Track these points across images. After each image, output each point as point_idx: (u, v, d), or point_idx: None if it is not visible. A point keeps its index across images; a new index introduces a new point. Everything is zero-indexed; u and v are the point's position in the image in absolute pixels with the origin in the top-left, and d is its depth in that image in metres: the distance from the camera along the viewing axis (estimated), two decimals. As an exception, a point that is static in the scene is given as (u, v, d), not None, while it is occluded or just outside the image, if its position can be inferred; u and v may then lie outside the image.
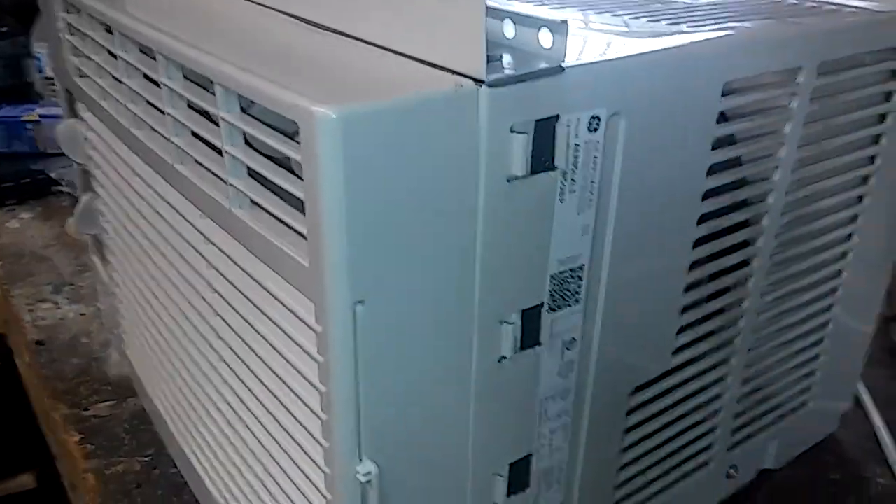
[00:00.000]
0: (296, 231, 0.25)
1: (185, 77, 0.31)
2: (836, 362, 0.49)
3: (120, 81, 0.37)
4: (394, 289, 0.25)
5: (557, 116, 0.26)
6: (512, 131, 0.25)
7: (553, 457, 0.34)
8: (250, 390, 0.33)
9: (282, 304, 0.27)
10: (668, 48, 0.30)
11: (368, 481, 0.27)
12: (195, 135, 0.31)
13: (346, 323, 0.24)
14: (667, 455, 0.40)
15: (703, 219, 0.34)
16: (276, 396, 0.30)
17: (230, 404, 0.35)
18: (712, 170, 0.33)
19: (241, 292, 0.31)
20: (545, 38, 0.26)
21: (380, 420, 0.27)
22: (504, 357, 0.29)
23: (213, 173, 0.30)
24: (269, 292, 0.28)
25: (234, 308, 0.32)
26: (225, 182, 0.29)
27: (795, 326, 0.44)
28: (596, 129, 0.27)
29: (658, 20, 0.35)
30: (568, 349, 0.31)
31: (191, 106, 0.31)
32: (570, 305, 0.30)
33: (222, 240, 0.31)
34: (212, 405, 0.38)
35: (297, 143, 0.23)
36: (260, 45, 0.30)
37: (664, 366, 0.37)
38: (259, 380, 0.31)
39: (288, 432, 0.30)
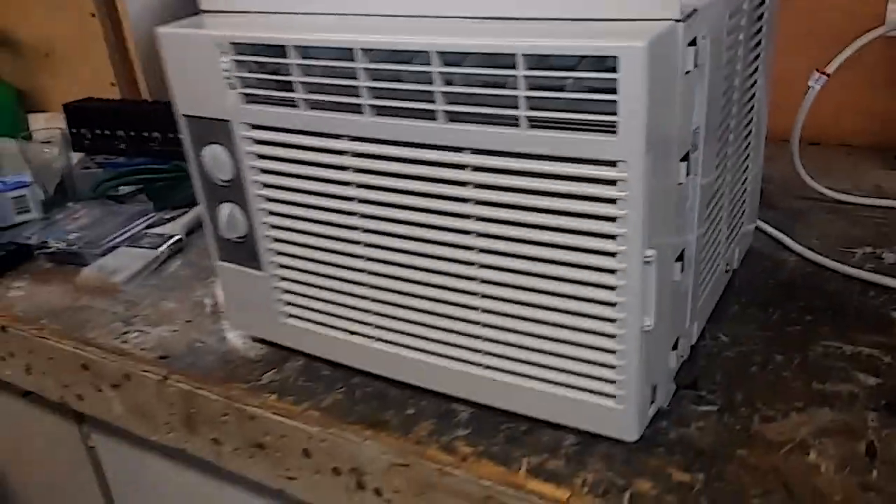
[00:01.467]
0: (607, 129, 0.45)
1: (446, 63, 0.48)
2: (754, 193, 0.78)
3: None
4: (662, 147, 0.46)
5: (695, 38, 0.48)
6: (688, 45, 0.47)
7: (689, 246, 0.57)
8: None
9: (587, 181, 0.47)
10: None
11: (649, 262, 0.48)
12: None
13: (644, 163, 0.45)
14: (715, 241, 0.65)
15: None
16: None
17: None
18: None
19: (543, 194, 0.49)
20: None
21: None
22: (680, 183, 0.51)
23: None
24: (573, 179, 0.47)
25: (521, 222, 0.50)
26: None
27: (742, 164, 0.72)
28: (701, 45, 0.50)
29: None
30: (694, 175, 0.54)
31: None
32: (697, 149, 0.53)
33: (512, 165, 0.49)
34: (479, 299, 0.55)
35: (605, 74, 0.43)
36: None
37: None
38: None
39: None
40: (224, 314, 0.78)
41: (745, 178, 0.74)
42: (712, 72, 0.53)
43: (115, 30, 1.37)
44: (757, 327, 0.69)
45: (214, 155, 0.63)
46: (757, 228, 0.85)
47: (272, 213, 0.63)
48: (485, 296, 0.54)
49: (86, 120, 1.18)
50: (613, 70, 0.43)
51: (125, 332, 0.77)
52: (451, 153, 0.50)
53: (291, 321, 0.68)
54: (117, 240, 0.94)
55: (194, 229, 0.97)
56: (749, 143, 0.73)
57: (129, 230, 0.96)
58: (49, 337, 0.78)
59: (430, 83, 0.49)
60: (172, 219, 0.99)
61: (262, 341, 0.73)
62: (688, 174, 0.52)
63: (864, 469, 0.52)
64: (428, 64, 0.48)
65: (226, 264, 0.69)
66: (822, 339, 0.66)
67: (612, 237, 0.47)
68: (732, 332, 0.68)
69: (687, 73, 0.48)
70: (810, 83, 0.86)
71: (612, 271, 0.48)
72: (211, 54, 0.58)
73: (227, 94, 0.59)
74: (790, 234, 0.84)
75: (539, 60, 0.45)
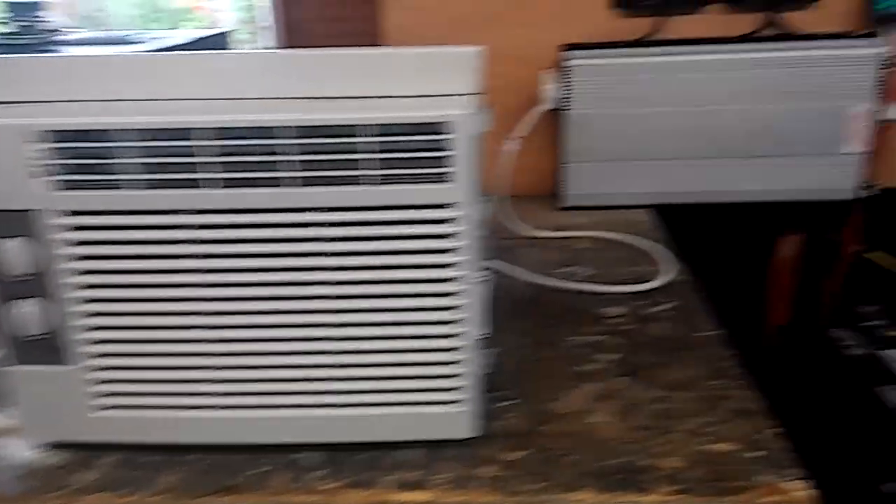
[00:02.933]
0: (444, 179, 0.56)
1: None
2: (488, 233, 0.97)
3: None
4: (477, 191, 0.59)
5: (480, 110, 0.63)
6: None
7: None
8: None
9: (423, 223, 0.57)
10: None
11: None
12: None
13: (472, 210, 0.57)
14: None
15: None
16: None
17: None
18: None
19: (380, 239, 0.58)
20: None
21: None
22: (482, 219, 0.65)
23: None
24: (411, 223, 0.57)
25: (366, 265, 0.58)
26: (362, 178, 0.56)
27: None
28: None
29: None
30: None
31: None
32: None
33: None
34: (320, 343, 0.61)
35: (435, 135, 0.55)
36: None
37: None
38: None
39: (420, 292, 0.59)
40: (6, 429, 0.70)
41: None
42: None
43: None
44: (520, 335, 0.86)
45: (11, 249, 0.59)
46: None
47: (89, 301, 0.61)
48: (339, 339, 0.61)
49: None
50: (448, 133, 0.55)
51: None
52: (307, 213, 0.57)
53: (106, 414, 0.65)
54: None
55: None
56: (483, 194, 0.91)
57: None
58: None
59: (282, 154, 0.55)
60: None
61: (63, 446, 0.67)
62: (478, 214, 0.66)
63: (631, 416, 0.70)
64: (277, 138, 0.55)
65: (22, 367, 0.64)
66: (566, 335, 0.86)
67: (453, 264, 0.59)
68: (504, 343, 0.84)
69: (479, 134, 0.62)
70: (506, 147, 1.09)
71: (454, 293, 0.59)
72: (11, 144, 0.56)
73: (30, 183, 0.57)
74: (512, 264, 1.05)
75: (386, 129, 0.55)
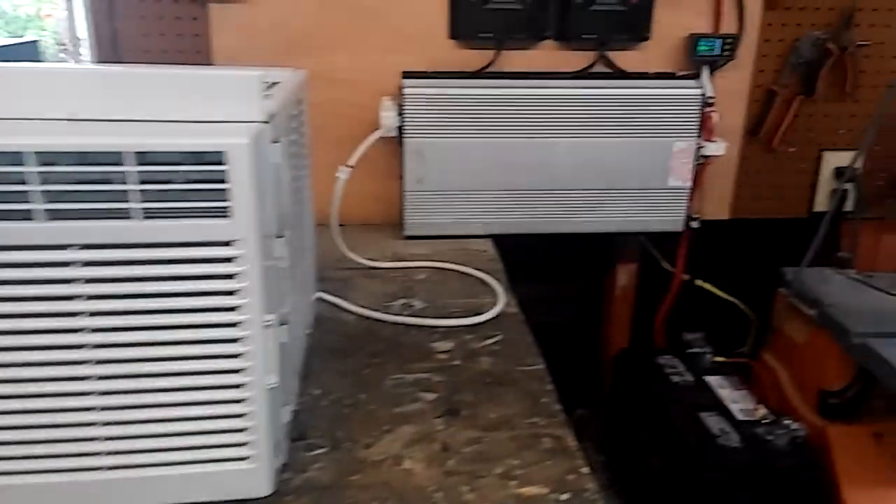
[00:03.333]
0: (221, 214, 0.51)
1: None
2: (313, 268, 0.92)
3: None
4: (267, 226, 0.54)
5: (277, 137, 0.58)
6: (273, 142, 0.57)
7: (288, 313, 0.65)
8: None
9: (202, 262, 0.51)
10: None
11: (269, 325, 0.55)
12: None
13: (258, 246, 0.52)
14: (298, 308, 0.75)
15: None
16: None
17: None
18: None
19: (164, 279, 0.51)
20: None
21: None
22: (279, 257, 0.60)
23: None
24: (189, 262, 0.51)
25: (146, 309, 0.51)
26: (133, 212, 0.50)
27: (304, 244, 0.84)
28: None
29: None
30: (285, 251, 0.64)
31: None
32: (286, 229, 0.63)
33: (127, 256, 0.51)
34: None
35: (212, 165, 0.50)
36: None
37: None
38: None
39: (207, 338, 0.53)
40: None
41: (306, 256, 0.87)
42: (289, 166, 0.64)
43: None
44: (340, 377, 0.81)
45: None
46: (318, 298, 0.98)
47: None
48: (106, 393, 0.54)
49: None
50: (222, 163, 0.50)
51: None
52: (56, 251, 0.50)
53: None
54: None
55: None
56: (305, 226, 0.86)
57: None
58: None
59: (25, 183, 0.48)
60: None
61: None
62: (283, 250, 0.61)
63: (444, 461, 0.67)
64: (23, 164, 0.48)
65: None
66: (389, 374, 0.82)
67: (236, 308, 0.53)
68: (322, 385, 0.79)
69: (275, 164, 0.57)
70: (338, 175, 1.05)
71: (237, 339, 0.54)
72: None
73: None
74: (344, 297, 1.00)
75: (153, 157, 0.49)
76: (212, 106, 0.53)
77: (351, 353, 0.86)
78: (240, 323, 0.54)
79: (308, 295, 0.86)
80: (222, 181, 0.50)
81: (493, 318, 0.96)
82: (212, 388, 0.55)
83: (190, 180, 0.51)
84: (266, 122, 0.54)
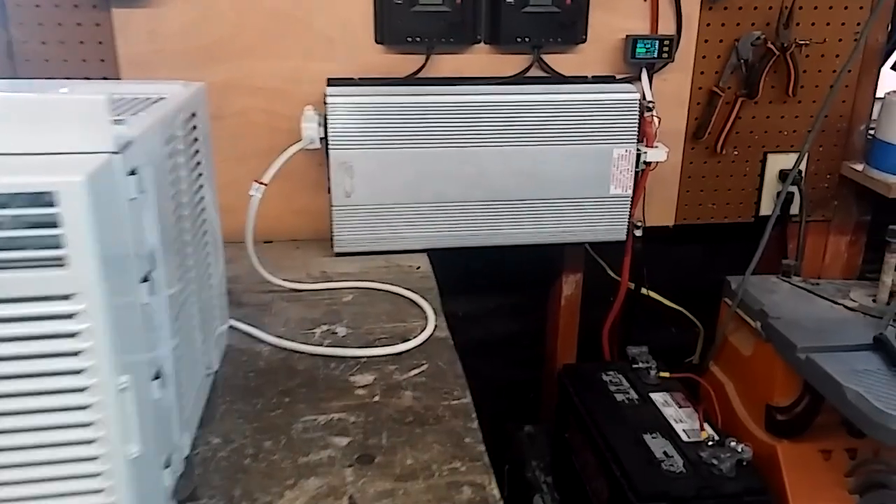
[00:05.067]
0: (55, 264, 0.43)
1: None
2: (222, 295, 0.84)
3: None
4: (119, 273, 0.46)
5: (135, 168, 0.51)
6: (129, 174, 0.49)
7: (165, 362, 0.58)
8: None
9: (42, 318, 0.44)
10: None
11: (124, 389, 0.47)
12: None
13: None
14: (192, 350, 0.67)
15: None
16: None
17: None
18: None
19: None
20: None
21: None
22: (145, 303, 0.52)
23: None
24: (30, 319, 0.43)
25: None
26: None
27: (206, 272, 0.76)
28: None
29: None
30: (157, 293, 0.56)
31: None
32: (156, 268, 0.55)
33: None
34: None
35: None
36: None
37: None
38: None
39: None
40: None
41: (212, 284, 0.79)
42: (160, 196, 0.56)
43: None
44: (245, 421, 0.73)
45: None
46: (231, 327, 0.90)
47: None
48: (-70, 472, 0.46)
49: None
50: (53, 205, 0.42)
51: None
52: None
53: None
54: None
55: None
56: (208, 252, 0.78)
57: None
58: None
59: None
60: None
61: None
62: (151, 293, 0.53)
63: (351, 519, 0.60)
64: None
65: None
66: (300, 416, 0.75)
67: (81, 371, 0.45)
68: (223, 433, 0.71)
69: (133, 199, 0.50)
70: (251, 192, 0.97)
71: (86, 406, 0.46)
72: None
73: None
74: (260, 326, 0.92)
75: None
76: (51, 135, 0.45)
77: (261, 392, 0.79)
78: (88, 388, 0.46)
79: (212, 329, 0.78)
80: (54, 225, 0.43)
81: (421, 345, 0.89)
82: (63, 461, 0.47)
83: (22, 224, 0.43)
84: (116, 153, 0.47)
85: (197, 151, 0.75)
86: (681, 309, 1.37)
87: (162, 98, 0.69)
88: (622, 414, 1.07)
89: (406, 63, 1.18)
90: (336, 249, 1.17)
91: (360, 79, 1.18)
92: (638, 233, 1.27)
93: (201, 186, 0.76)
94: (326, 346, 0.88)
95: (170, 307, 0.58)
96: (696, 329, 1.39)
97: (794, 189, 1.31)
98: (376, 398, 0.78)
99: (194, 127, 0.75)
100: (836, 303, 1.11)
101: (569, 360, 1.46)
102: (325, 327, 0.95)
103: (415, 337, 0.90)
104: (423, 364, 0.85)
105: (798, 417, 1.02)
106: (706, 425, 1.01)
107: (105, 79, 1.14)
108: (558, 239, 1.23)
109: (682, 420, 1.05)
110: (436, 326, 0.94)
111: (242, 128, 1.19)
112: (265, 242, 1.23)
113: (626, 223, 1.24)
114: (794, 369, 0.99)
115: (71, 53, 1.13)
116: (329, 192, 1.15)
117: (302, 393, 0.79)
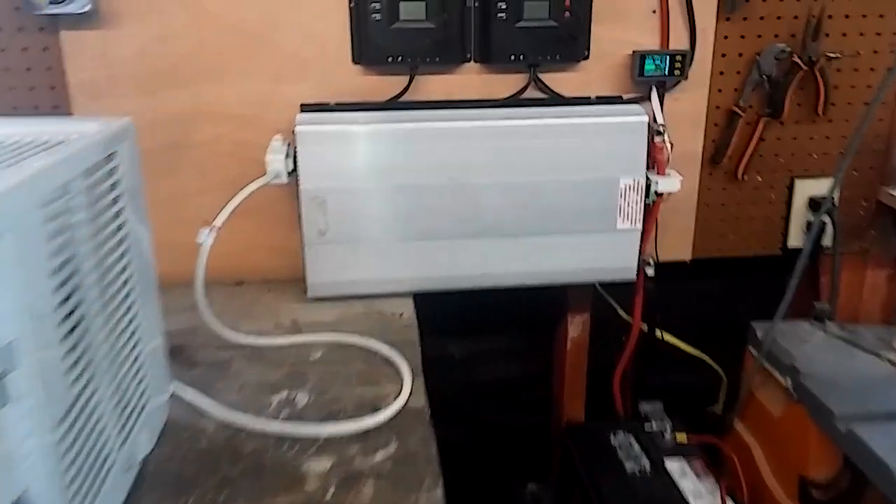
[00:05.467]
0: None
1: None
2: (159, 363, 0.72)
3: None
4: None
5: None
6: None
7: (39, 493, 0.45)
8: None
9: None
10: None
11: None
12: None
13: None
14: (96, 453, 0.55)
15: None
16: None
17: None
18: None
19: None
20: None
21: None
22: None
23: None
24: None
25: None
26: None
27: (130, 343, 0.64)
28: None
29: None
30: (19, 399, 0.44)
31: None
32: (15, 368, 0.43)
33: None
34: None
35: None
36: None
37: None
38: None
39: None
40: None
41: (138, 356, 0.67)
42: (29, 268, 0.44)
43: None
44: (167, 527, 0.61)
45: None
46: (174, 394, 0.78)
47: None
48: None
49: None
50: None
51: None
52: None
53: None
54: None
55: None
56: (135, 313, 0.66)
57: None
58: None
59: None
60: None
61: None
62: (4, 403, 0.41)
63: None
64: None
65: None
66: (237, 516, 0.62)
67: None
68: (139, 543, 0.59)
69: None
70: (199, 240, 0.85)
71: None
72: None
73: None
74: (211, 392, 0.80)
75: None
76: None
77: (195, 485, 0.67)
78: None
79: (138, 410, 0.66)
80: None
81: (392, 418, 0.77)
82: None
83: None
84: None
85: (116, 200, 0.63)
86: (700, 355, 1.23)
87: (60, 143, 0.57)
88: (632, 488, 0.94)
89: (387, 85, 1.06)
90: (310, 294, 1.05)
91: (336, 104, 1.06)
92: (650, 271, 1.13)
93: (121, 240, 0.64)
94: (281, 421, 0.76)
95: (50, 412, 0.46)
96: (717, 376, 1.24)
97: (826, 218, 1.17)
98: (329, 495, 0.65)
99: (111, 171, 0.63)
100: (879, 355, 0.96)
101: (576, 408, 1.32)
102: (284, 394, 0.82)
103: (386, 407, 0.78)
104: (391, 443, 0.73)
105: (840, 499, 0.87)
106: (729, 501, 0.87)
107: (56, 107, 1.04)
108: (559, 280, 1.10)
109: (702, 496, 0.91)
110: (410, 393, 0.81)
111: (209, 158, 1.07)
112: (236, 284, 1.12)
113: (636, 261, 1.10)
114: (831, 440, 0.85)
115: (18, 80, 1.02)
116: (300, 230, 1.03)
117: (245, 483, 0.67)
